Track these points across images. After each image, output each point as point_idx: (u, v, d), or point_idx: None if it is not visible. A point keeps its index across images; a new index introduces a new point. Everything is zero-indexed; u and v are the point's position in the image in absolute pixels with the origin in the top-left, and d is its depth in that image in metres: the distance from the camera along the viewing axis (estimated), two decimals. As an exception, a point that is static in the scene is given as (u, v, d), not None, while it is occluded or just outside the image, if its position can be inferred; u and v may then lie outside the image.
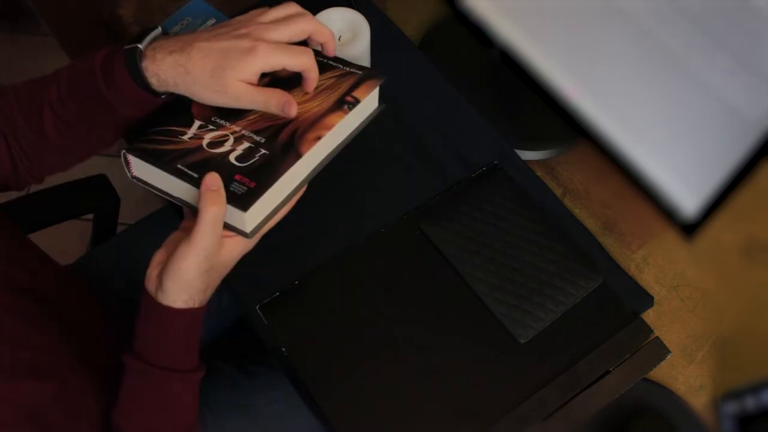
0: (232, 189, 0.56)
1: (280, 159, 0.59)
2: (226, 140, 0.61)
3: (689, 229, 0.71)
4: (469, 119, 0.88)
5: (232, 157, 0.59)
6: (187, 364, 0.62)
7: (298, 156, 0.60)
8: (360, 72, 0.69)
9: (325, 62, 0.69)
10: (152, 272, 0.59)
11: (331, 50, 0.67)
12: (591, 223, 0.88)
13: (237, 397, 0.81)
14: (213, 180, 0.55)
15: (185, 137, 0.61)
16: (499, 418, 0.70)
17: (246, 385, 0.83)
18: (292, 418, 0.83)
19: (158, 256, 0.59)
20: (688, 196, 0.70)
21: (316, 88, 0.65)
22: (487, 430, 0.69)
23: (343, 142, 0.67)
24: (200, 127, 0.63)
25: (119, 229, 1.02)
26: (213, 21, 0.84)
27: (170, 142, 0.61)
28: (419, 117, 0.88)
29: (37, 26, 1.85)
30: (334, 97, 0.65)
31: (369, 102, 0.68)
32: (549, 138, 0.97)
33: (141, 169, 0.61)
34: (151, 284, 0.59)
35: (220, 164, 0.58)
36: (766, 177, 0.62)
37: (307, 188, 0.65)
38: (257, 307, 0.75)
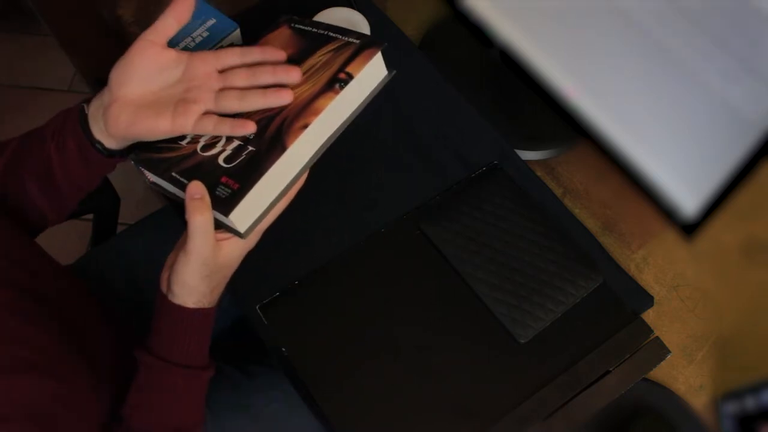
0: (217, 193, 0.55)
1: (265, 155, 0.56)
2: (219, 140, 0.59)
3: (689, 229, 0.71)
4: (469, 119, 0.88)
5: (221, 159, 0.58)
6: (196, 362, 0.63)
7: (283, 149, 0.56)
8: (358, 41, 0.62)
9: (322, 34, 0.64)
10: (164, 274, 0.60)
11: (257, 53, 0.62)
12: (591, 223, 0.88)
13: (237, 397, 0.81)
14: (195, 189, 0.55)
15: (183, 142, 0.61)
16: (499, 418, 0.70)
17: (246, 385, 0.83)
18: (292, 418, 0.83)
19: (169, 260, 0.61)
20: (688, 196, 0.70)
21: (311, 67, 0.61)
22: (487, 430, 0.69)
23: (346, 120, 0.61)
24: None
25: (119, 229, 1.02)
26: (213, 21, 0.84)
27: (169, 149, 0.61)
28: (419, 117, 0.88)
29: (37, 26, 1.85)
30: (326, 75, 0.60)
31: (369, 74, 0.61)
32: (549, 138, 0.97)
33: (152, 176, 0.61)
34: (163, 285, 0.61)
35: (208, 168, 0.57)
36: (766, 177, 0.62)
37: (307, 188, 0.64)
38: (257, 307, 0.75)
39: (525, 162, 0.85)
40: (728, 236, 0.77)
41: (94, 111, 0.61)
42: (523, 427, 0.70)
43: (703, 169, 0.67)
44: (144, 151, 0.62)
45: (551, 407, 0.71)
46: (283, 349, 0.73)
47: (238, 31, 0.81)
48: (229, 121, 0.57)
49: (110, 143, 0.62)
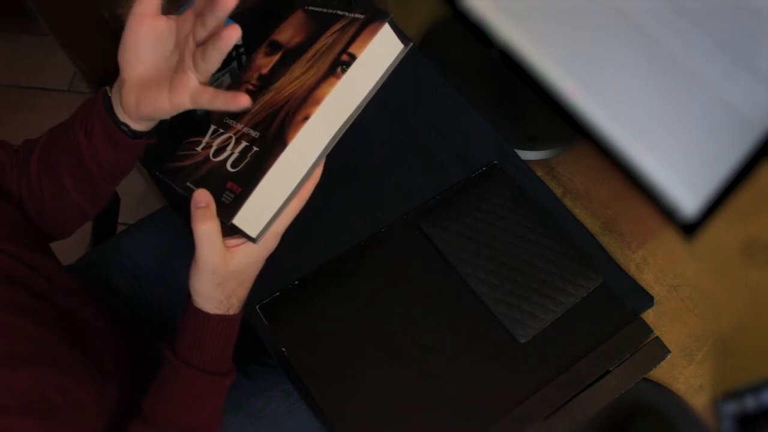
0: (222, 199, 0.54)
1: (267, 154, 0.53)
2: (229, 144, 0.57)
3: (689, 228, 0.71)
4: (469, 119, 0.88)
5: (228, 163, 0.56)
6: (217, 367, 0.63)
7: (284, 146, 0.53)
8: (363, 16, 0.56)
9: (331, 13, 0.58)
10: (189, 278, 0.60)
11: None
12: (591, 223, 0.88)
13: (236, 397, 0.81)
14: (200, 197, 0.54)
15: (199, 148, 0.60)
16: (499, 418, 0.70)
17: (245, 385, 0.83)
18: (292, 418, 0.83)
19: (192, 264, 0.60)
20: (688, 196, 0.70)
21: (317, 51, 0.56)
22: (487, 430, 0.69)
23: (359, 105, 0.55)
24: (213, 132, 0.60)
25: (119, 229, 1.02)
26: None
27: (187, 157, 0.60)
28: (419, 117, 0.88)
29: (37, 26, 1.85)
30: (329, 59, 0.54)
31: (377, 52, 0.55)
32: (549, 138, 0.97)
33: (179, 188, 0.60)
34: (189, 287, 0.60)
35: (217, 174, 0.56)
36: (766, 177, 0.62)
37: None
38: (257, 307, 0.75)
39: (525, 162, 0.85)
40: (728, 236, 0.77)
41: (114, 94, 0.61)
42: (524, 427, 0.70)
43: (703, 169, 0.67)
44: (168, 162, 0.61)
45: (551, 407, 0.71)
46: (283, 349, 0.73)
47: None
48: (222, 94, 0.53)
49: (134, 125, 0.61)
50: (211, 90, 0.55)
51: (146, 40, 0.56)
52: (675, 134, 0.69)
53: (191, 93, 0.55)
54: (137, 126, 0.61)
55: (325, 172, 0.59)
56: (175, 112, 0.57)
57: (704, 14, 0.58)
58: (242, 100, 0.52)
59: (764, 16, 0.54)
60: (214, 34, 0.51)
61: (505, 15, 0.80)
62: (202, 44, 0.53)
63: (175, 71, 0.56)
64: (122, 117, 0.61)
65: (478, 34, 0.84)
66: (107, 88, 0.61)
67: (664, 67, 0.64)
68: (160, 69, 0.57)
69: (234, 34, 0.50)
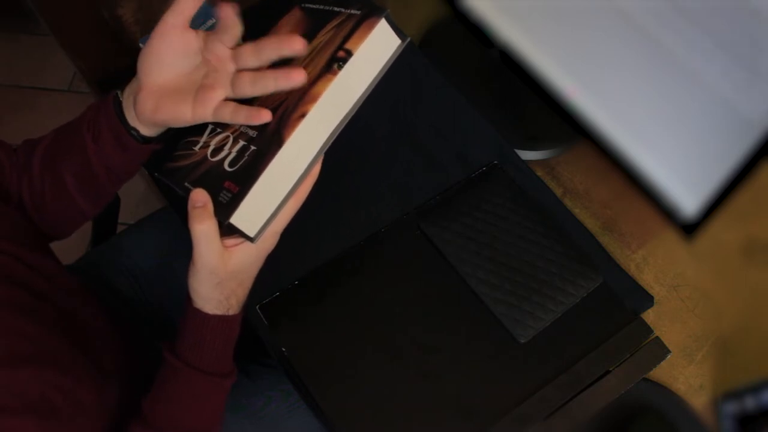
0: (219, 198, 0.54)
1: (264, 153, 0.53)
2: (227, 143, 0.57)
3: (689, 228, 0.71)
4: (469, 119, 0.88)
5: (226, 163, 0.56)
6: (218, 368, 0.63)
7: (281, 144, 0.52)
8: (359, 12, 0.55)
9: (328, 10, 0.58)
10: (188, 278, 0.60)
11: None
12: (591, 223, 0.88)
13: (236, 397, 0.81)
14: (197, 197, 0.54)
15: (196, 147, 0.60)
16: (499, 418, 0.70)
17: (245, 385, 0.83)
18: (292, 418, 0.83)
19: (191, 264, 0.60)
20: (688, 196, 0.70)
21: (314, 48, 0.56)
22: (487, 430, 0.69)
23: (357, 101, 0.55)
24: (210, 131, 0.60)
25: (119, 229, 1.02)
26: (213, 21, 0.84)
27: (185, 157, 0.60)
28: (419, 117, 0.88)
29: (37, 26, 1.85)
30: (326, 56, 0.54)
31: (374, 47, 0.54)
32: (549, 138, 0.97)
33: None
34: (188, 288, 0.60)
35: (215, 174, 0.56)
36: (766, 177, 0.62)
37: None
38: (257, 307, 0.75)
39: (525, 162, 0.85)
40: (728, 236, 0.77)
41: (126, 98, 0.61)
42: (524, 427, 0.70)
43: (703, 169, 0.67)
44: (167, 162, 0.61)
45: (551, 407, 0.71)
46: (283, 349, 0.73)
47: (238, 31, 0.81)
48: (245, 109, 0.55)
49: (144, 130, 0.61)
50: (232, 104, 0.56)
51: (174, 51, 0.57)
52: (675, 134, 0.69)
53: (215, 108, 0.56)
54: (147, 131, 0.61)
55: (323, 170, 0.59)
56: (193, 123, 0.58)
57: (704, 14, 0.58)
58: (264, 116, 0.54)
59: (764, 16, 0.54)
60: (281, 72, 0.53)
61: (505, 15, 0.80)
62: (247, 69, 0.56)
63: (201, 85, 0.57)
64: (132, 122, 0.61)
65: (478, 34, 0.84)
66: (118, 92, 0.62)
67: (664, 67, 0.64)
68: (183, 80, 0.58)
69: (300, 79, 0.52)
